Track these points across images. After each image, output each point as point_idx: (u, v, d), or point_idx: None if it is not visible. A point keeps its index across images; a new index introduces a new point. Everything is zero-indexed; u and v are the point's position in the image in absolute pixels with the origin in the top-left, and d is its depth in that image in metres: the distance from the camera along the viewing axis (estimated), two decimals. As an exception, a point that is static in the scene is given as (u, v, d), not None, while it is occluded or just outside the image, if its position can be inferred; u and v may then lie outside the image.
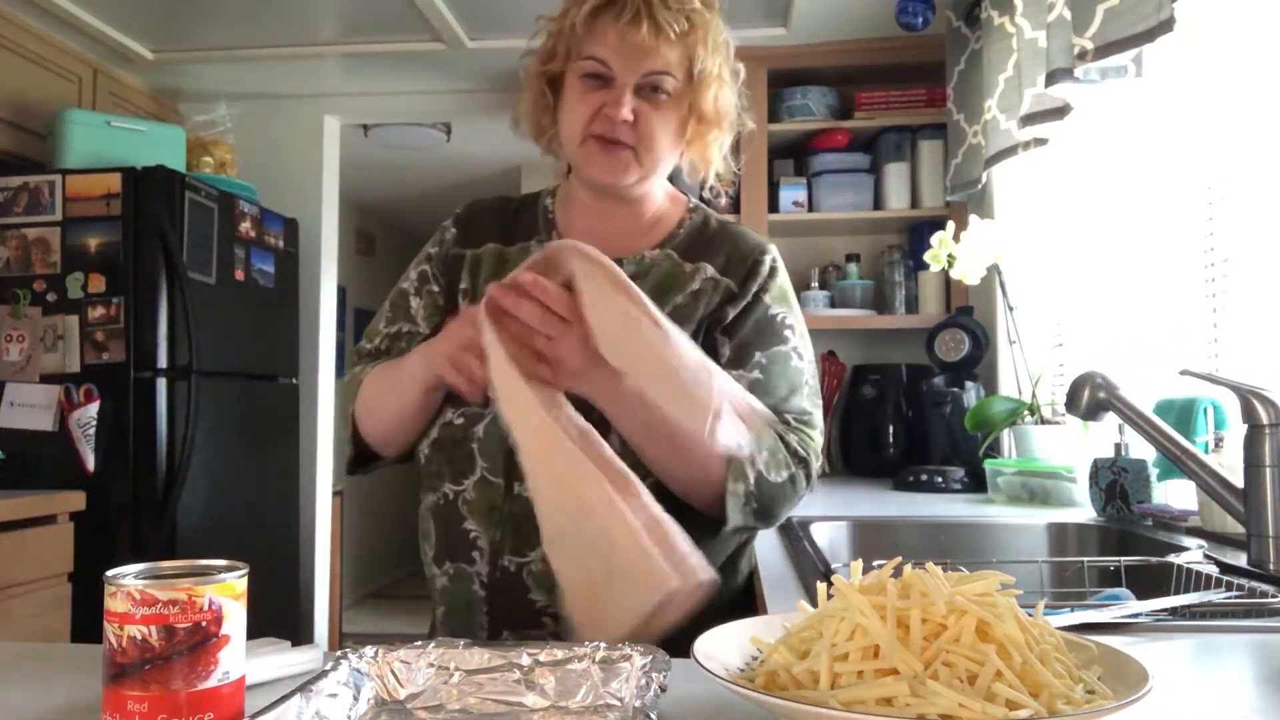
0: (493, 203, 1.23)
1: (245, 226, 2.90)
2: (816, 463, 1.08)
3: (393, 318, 1.19)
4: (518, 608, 1.04)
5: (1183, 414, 1.49)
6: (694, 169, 1.17)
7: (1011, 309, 2.27)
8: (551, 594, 1.03)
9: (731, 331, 1.09)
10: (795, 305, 1.15)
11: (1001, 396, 2.27)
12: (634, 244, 1.14)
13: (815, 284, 2.83)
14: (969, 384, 2.39)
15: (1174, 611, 0.90)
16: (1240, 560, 1.11)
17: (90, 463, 2.47)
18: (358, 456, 1.18)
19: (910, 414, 2.56)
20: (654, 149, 1.08)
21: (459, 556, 1.07)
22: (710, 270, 1.11)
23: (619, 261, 1.10)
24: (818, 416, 1.11)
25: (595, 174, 1.09)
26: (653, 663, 0.66)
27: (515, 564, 1.04)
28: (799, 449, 1.05)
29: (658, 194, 1.17)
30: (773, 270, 1.13)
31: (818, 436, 1.10)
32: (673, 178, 1.20)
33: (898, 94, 2.76)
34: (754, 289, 1.11)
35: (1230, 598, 0.96)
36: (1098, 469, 1.61)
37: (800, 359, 1.11)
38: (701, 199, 1.23)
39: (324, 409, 3.46)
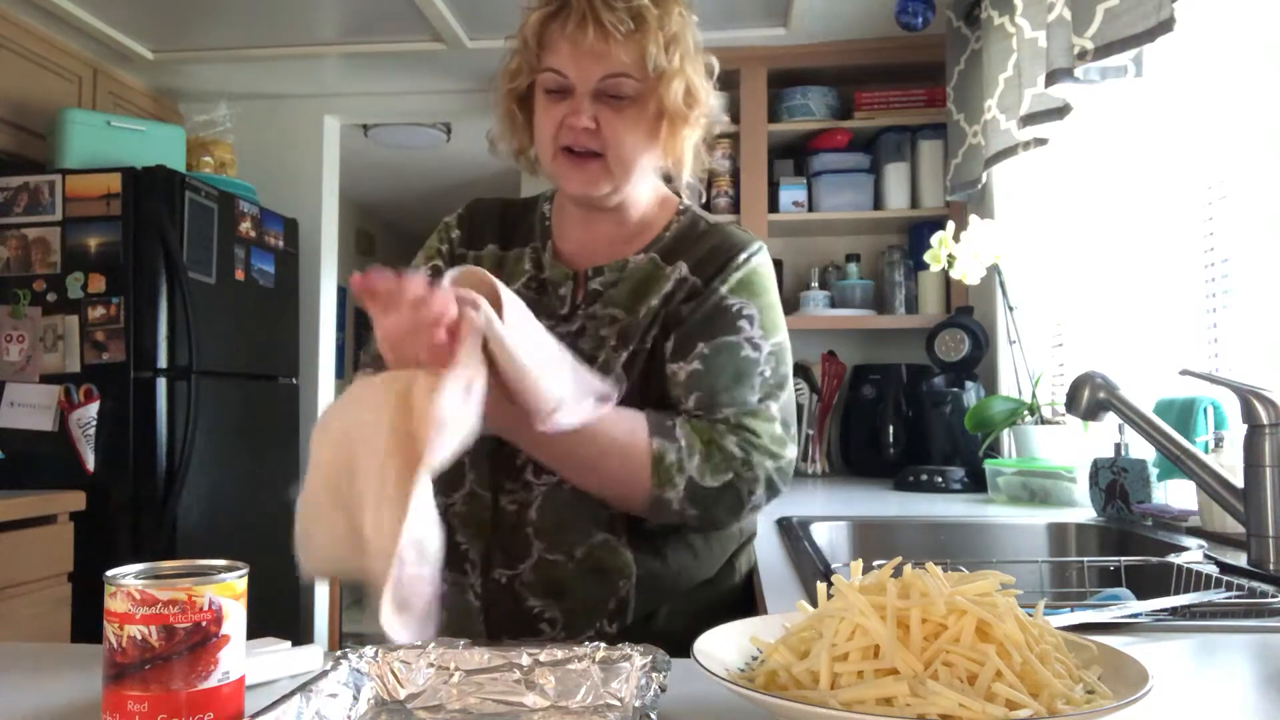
0: (494, 204, 1.22)
1: (245, 226, 2.90)
2: (769, 461, 1.01)
3: None
4: (514, 615, 1.04)
5: (1183, 414, 1.49)
6: (674, 170, 1.13)
7: (1011, 309, 2.27)
8: (547, 598, 1.03)
9: (681, 323, 1.06)
10: (765, 296, 1.09)
11: (1001, 396, 2.27)
12: (620, 250, 1.12)
13: (815, 284, 2.83)
14: (969, 384, 2.38)
15: (1174, 611, 0.90)
16: (1240, 560, 1.11)
17: (90, 463, 2.47)
18: None
19: (910, 414, 2.56)
20: (623, 155, 1.05)
21: (452, 567, 1.06)
22: (684, 269, 1.09)
23: (601, 269, 1.11)
24: (773, 409, 1.04)
25: (569, 187, 1.08)
26: (653, 663, 0.66)
27: (506, 576, 1.04)
28: (735, 450, 1.00)
29: (641, 199, 1.14)
30: (743, 264, 1.08)
31: (773, 429, 1.03)
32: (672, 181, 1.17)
33: (898, 94, 2.76)
34: (715, 283, 1.07)
35: (1230, 598, 0.96)
36: (1098, 469, 1.61)
37: (755, 350, 1.05)
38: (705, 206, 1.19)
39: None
